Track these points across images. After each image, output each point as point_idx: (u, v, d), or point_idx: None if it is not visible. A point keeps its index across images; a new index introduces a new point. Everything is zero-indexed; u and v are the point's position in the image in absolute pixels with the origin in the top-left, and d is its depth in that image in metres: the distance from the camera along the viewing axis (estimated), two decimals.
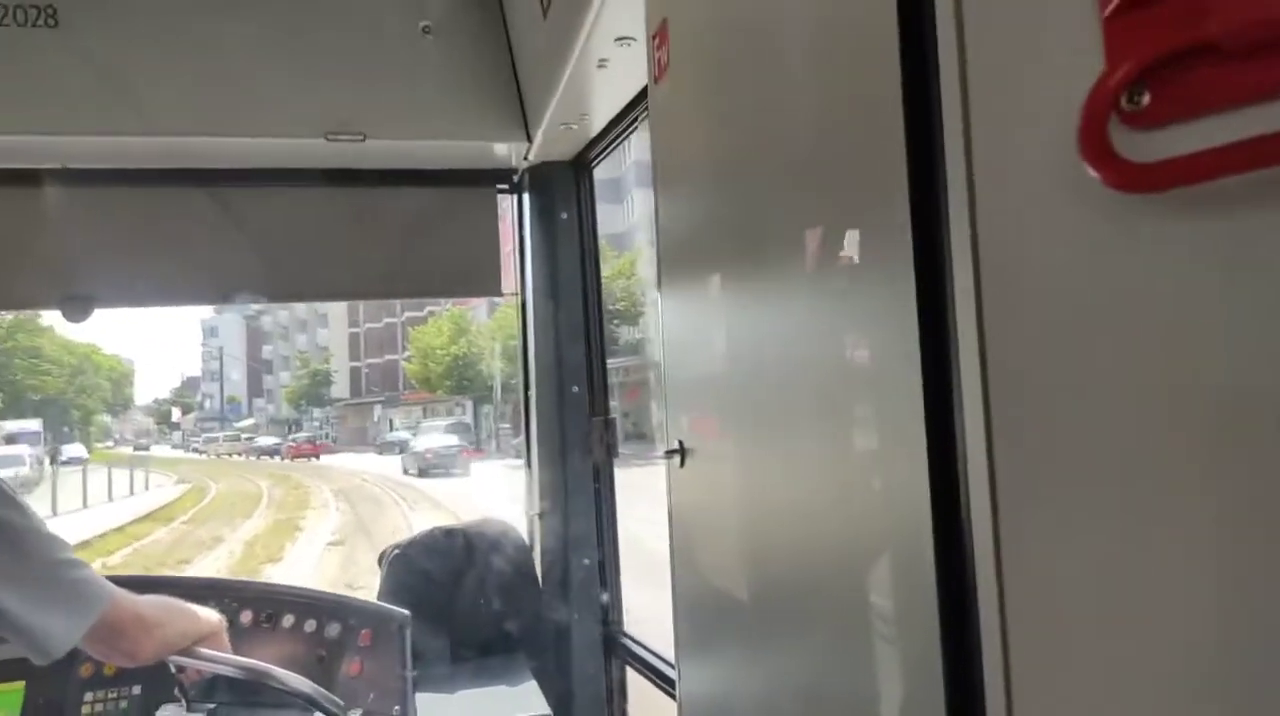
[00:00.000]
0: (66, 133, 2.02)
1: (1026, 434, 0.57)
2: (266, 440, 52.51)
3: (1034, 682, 0.57)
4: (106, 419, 69.48)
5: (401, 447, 33.92)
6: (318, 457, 41.59)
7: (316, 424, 58.77)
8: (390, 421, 48.51)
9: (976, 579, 0.61)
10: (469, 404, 41.11)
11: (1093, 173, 0.45)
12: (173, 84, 2.07)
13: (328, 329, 64.73)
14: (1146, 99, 0.45)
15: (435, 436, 32.02)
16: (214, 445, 55.30)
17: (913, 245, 0.66)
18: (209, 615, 1.85)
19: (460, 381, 40.30)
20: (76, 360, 59.48)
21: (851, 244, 0.77)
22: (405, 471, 28.20)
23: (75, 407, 57.57)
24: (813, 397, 0.86)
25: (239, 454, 49.72)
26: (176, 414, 72.02)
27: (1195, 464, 0.45)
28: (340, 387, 59.82)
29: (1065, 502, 0.54)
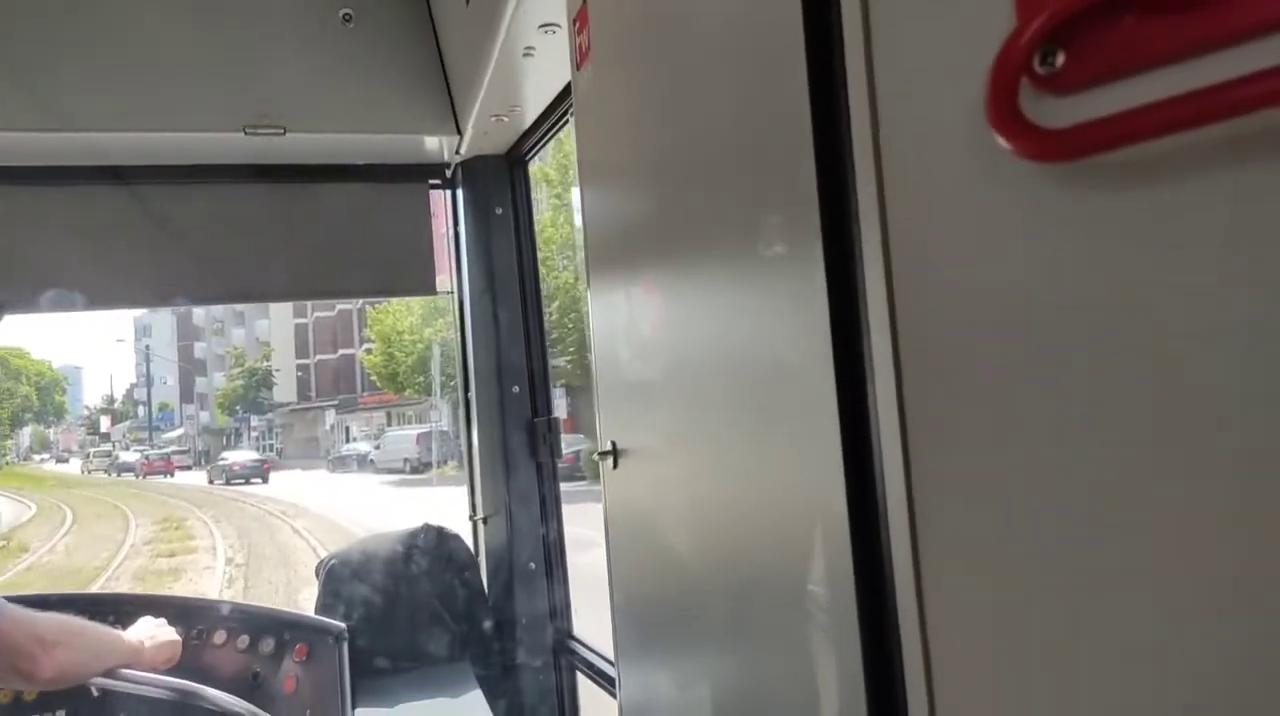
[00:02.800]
0: None
1: (942, 422, 0.55)
2: (129, 456, 44.71)
3: (953, 673, 0.56)
4: (37, 430, 64.39)
5: (361, 462, 31.02)
6: (171, 475, 36.90)
7: (256, 434, 49.44)
8: (347, 429, 41.26)
9: (894, 572, 0.60)
10: (444, 407, 31.31)
11: (1003, 142, 0.41)
12: (85, 77, 1.97)
13: (269, 320, 53.45)
14: (1061, 60, 0.41)
15: (406, 445, 28.36)
16: (88, 461, 48.92)
17: (822, 232, 0.65)
18: (135, 635, 1.77)
19: (438, 377, 28.81)
20: None
21: (765, 235, 0.74)
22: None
23: None
24: (734, 394, 0.84)
25: (105, 471, 43.01)
26: (105, 423, 64.82)
27: (1116, 449, 0.42)
28: (285, 390, 49.70)
29: (980, 491, 0.52)
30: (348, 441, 38.67)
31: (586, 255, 1.28)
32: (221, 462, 31.72)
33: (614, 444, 1.23)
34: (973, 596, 0.53)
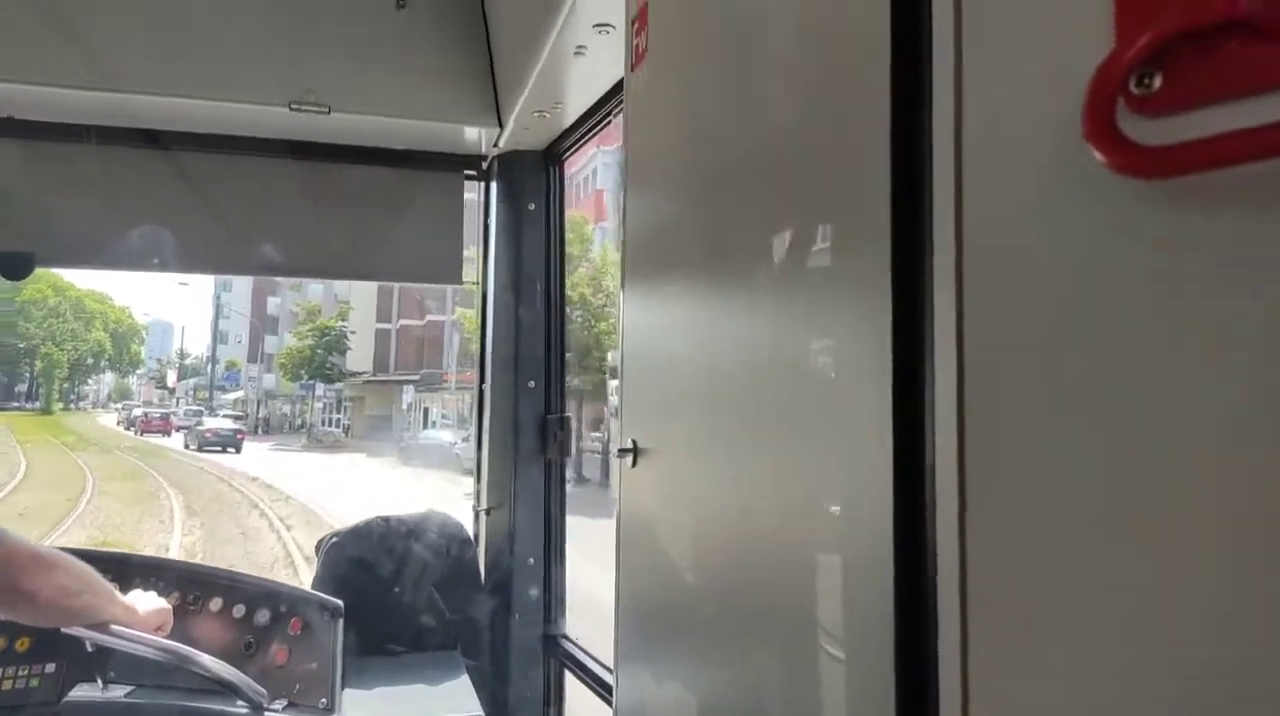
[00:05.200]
0: (11, 80, 1.92)
1: (1004, 447, 0.53)
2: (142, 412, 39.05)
3: (992, 711, 0.53)
4: (119, 380, 60.69)
5: (443, 454, 22.24)
6: (168, 435, 32.54)
7: (322, 406, 39.94)
8: (425, 411, 31.37)
9: (938, 599, 0.57)
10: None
11: (1099, 156, 0.41)
12: (129, 37, 1.99)
13: None
14: (1158, 82, 0.42)
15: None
16: (120, 414, 43.75)
17: (891, 245, 0.63)
18: (134, 600, 1.78)
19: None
20: (57, 301, 48.41)
21: (826, 243, 0.74)
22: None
23: (39, 357, 47.02)
24: (775, 402, 0.83)
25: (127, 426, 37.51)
26: (172, 378, 59.66)
27: (1197, 478, 0.42)
28: (360, 357, 38.22)
29: (1040, 523, 0.50)
30: (426, 425, 30.40)
31: (624, 254, 1.28)
32: (199, 428, 29.93)
33: (635, 442, 1.23)
34: (1024, 645, 0.51)
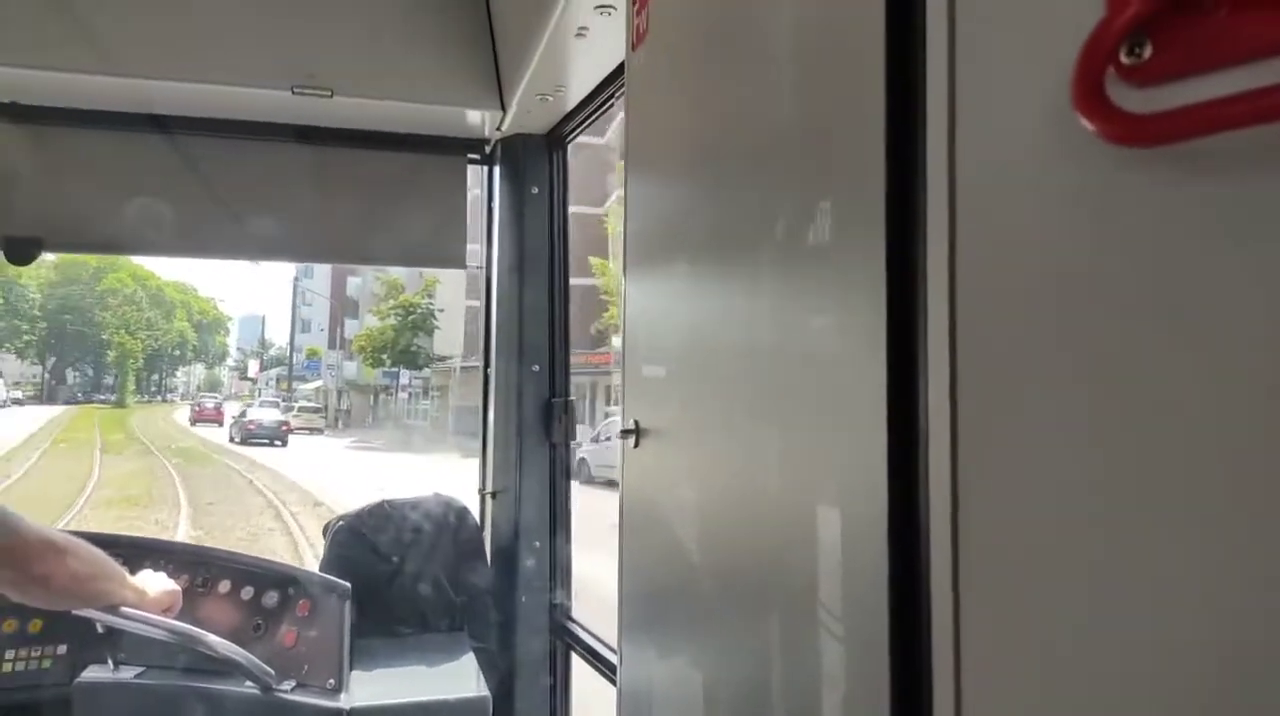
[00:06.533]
0: (16, 65, 1.93)
1: (996, 422, 0.53)
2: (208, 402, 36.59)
3: (984, 687, 0.54)
4: (211, 371, 59.45)
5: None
6: (220, 424, 29.87)
7: (407, 396, 34.30)
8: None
9: (930, 578, 0.58)
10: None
11: (1087, 124, 0.41)
12: (132, 21, 1.99)
13: None
14: (1148, 51, 0.42)
15: None
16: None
17: (885, 220, 0.63)
18: (144, 582, 1.79)
19: None
20: (134, 289, 47.11)
21: (823, 222, 0.74)
22: None
23: (108, 346, 45.51)
24: (774, 382, 0.83)
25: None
26: (253, 368, 57.44)
27: (1184, 452, 0.42)
28: (448, 338, 30.86)
29: (1033, 501, 0.50)
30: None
31: (626, 235, 1.28)
32: (242, 420, 26.95)
33: (637, 423, 1.23)
34: (1015, 624, 0.52)
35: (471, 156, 2.45)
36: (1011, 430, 0.52)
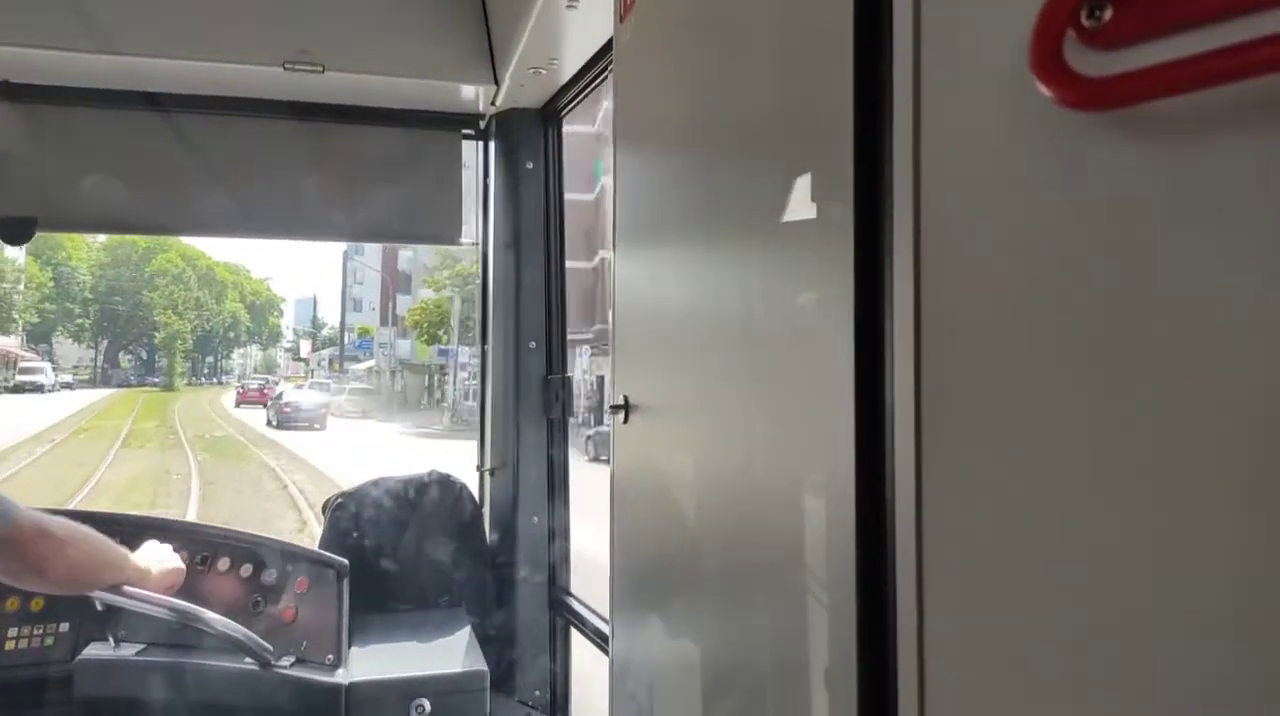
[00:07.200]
0: (8, 43, 1.92)
1: (959, 399, 0.54)
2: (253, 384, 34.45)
3: (947, 652, 0.55)
4: (268, 352, 58.58)
5: None
6: (265, 406, 27.62)
7: (466, 375, 29.71)
8: (599, 380, 21.43)
9: (895, 546, 0.59)
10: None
11: (1044, 89, 0.40)
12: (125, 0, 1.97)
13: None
14: (1108, 14, 0.41)
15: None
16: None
17: (854, 197, 0.63)
18: (142, 558, 1.80)
19: None
20: (182, 268, 45.52)
21: (799, 198, 0.74)
22: None
23: (157, 327, 44.08)
24: (751, 358, 0.84)
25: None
26: (305, 348, 55.56)
27: (1157, 424, 0.41)
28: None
29: (994, 468, 0.50)
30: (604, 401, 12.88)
31: (615, 209, 1.28)
32: (279, 402, 25.95)
33: (626, 398, 1.23)
34: (975, 588, 0.52)
35: (466, 132, 2.43)
36: (973, 402, 0.52)
